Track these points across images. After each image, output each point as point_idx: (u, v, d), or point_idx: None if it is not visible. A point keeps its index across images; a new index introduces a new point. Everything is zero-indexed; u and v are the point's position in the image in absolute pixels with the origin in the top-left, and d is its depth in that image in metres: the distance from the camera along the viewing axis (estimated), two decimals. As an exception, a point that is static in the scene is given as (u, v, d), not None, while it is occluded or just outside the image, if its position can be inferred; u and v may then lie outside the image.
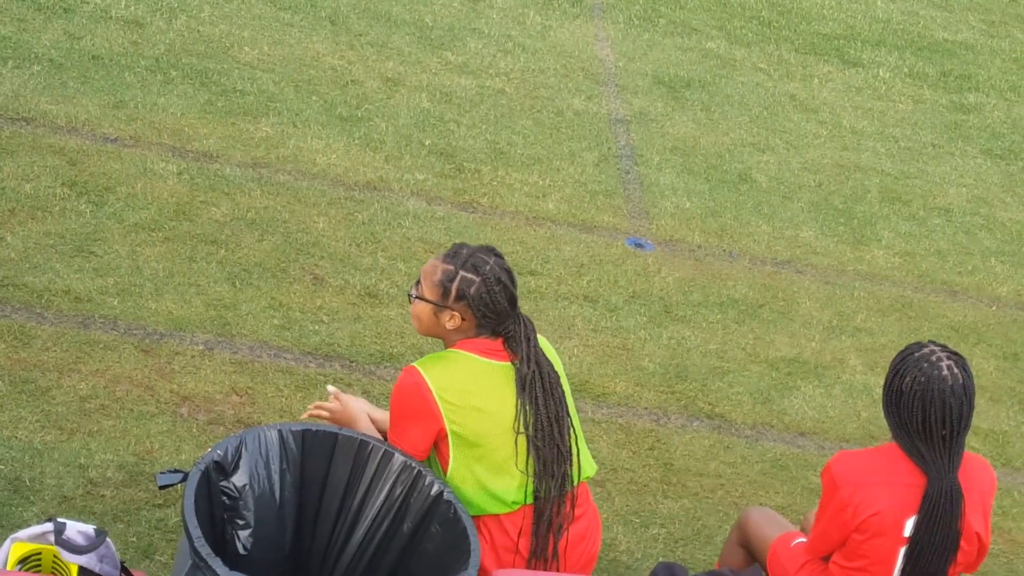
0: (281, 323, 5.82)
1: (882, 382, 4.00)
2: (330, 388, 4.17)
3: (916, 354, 3.93)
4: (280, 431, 3.86)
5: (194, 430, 5.16)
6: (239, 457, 3.77)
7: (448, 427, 3.89)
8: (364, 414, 4.10)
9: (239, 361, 5.55)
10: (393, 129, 7.55)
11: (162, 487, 3.72)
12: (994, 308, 7.24)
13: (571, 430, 3.98)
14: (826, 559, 4.06)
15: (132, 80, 7.38)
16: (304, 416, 4.21)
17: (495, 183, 7.28)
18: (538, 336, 4.03)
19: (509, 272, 4.01)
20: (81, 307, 5.63)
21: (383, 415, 4.17)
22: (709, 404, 5.97)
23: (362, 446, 3.89)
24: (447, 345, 4.04)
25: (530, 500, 3.92)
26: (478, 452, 3.91)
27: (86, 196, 6.32)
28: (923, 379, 3.87)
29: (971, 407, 3.90)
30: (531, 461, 3.90)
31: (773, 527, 4.35)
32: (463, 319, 3.97)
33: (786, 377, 6.26)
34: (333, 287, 6.13)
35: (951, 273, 7.46)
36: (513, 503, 3.92)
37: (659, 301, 6.60)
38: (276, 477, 3.83)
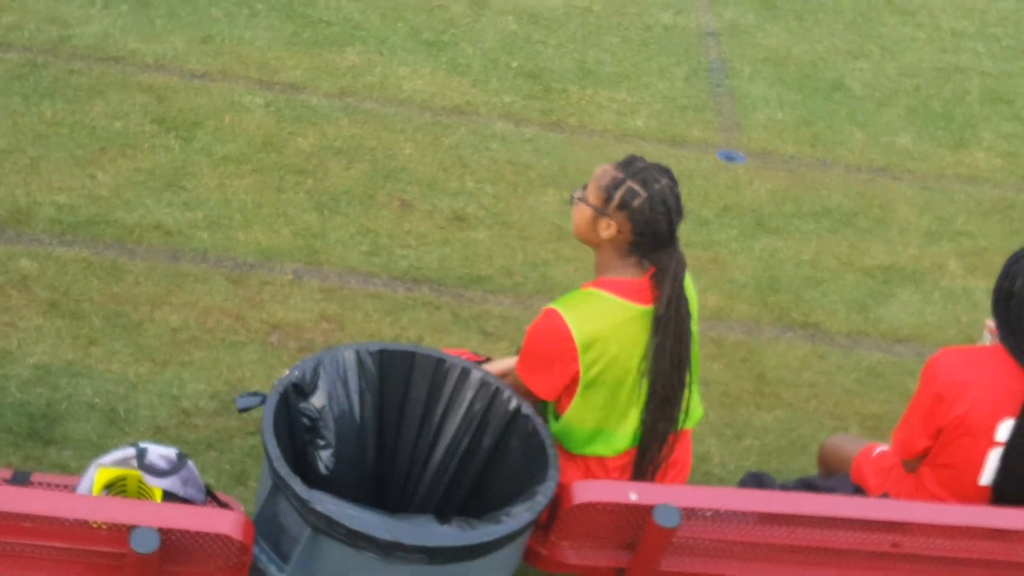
0: (369, 249, 5.83)
1: (982, 285, 3.91)
2: None
3: None
4: (357, 351, 3.86)
5: (285, 358, 5.20)
6: (317, 378, 3.79)
7: (583, 373, 3.77)
8: None
9: (328, 288, 5.58)
10: (480, 52, 7.50)
11: (241, 410, 3.75)
12: (1101, 207, 7.05)
13: (689, 375, 3.85)
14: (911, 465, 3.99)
15: (218, 15, 7.40)
16: None
17: (583, 102, 7.20)
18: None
19: (678, 199, 3.80)
20: (171, 241, 5.70)
21: (503, 365, 4.10)
22: (803, 314, 5.89)
23: (439, 364, 3.89)
24: (598, 256, 3.87)
25: (637, 442, 3.86)
26: (604, 397, 3.81)
27: (175, 132, 6.37)
28: None
29: None
30: (649, 403, 3.81)
31: (851, 444, 4.29)
32: (619, 231, 3.78)
33: (882, 284, 6.15)
34: (421, 212, 6.13)
35: (1056, 173, 7.27)
36: (622, 448, 3.87)
37: (751, 213, 6.50)
38: (355, 397, 3.84)
